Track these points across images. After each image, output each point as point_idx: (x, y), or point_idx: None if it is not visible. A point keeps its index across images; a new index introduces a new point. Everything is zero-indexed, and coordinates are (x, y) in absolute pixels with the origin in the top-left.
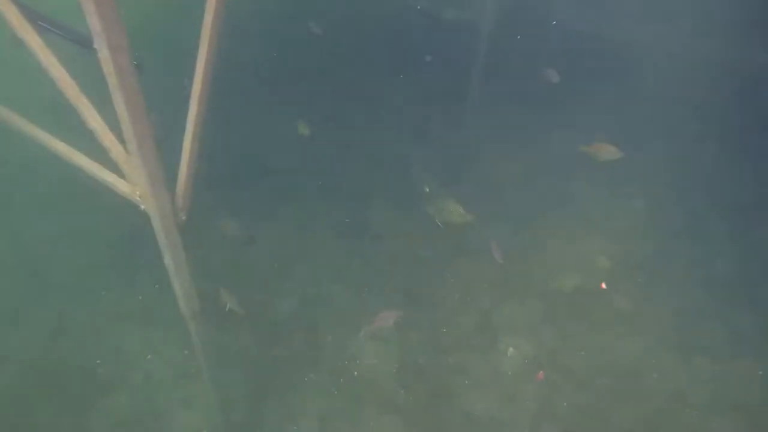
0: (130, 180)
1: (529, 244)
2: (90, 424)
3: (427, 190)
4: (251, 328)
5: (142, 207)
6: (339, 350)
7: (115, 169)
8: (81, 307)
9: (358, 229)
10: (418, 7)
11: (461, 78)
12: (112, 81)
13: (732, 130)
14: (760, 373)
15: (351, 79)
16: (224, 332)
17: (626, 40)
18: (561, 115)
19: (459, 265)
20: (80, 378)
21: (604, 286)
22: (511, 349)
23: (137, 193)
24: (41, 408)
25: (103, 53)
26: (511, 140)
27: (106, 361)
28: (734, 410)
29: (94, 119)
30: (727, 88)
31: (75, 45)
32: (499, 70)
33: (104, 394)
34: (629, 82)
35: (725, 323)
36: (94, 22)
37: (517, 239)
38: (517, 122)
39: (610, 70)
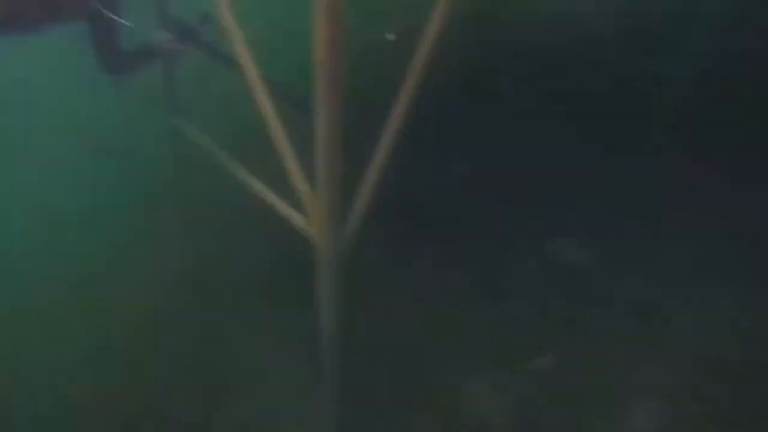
0: (309, 215)
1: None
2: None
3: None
4: (379, 359)
5: (311, 239)
6: (454, 393)
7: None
8: (228, 322)
9: (494, 271)
10: None
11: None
12: (319, 133)
13: None
14: None
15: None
16: (355, 363)
17: None
18: None
19: (596, 319)
20: (211, 389)
21: None
22: (641, 417)
23: (314, 229)
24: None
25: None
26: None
27: (236, 371)
28: None
29: (290, 158)
30: None
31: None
32: None
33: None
34: None
35: None
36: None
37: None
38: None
39: None
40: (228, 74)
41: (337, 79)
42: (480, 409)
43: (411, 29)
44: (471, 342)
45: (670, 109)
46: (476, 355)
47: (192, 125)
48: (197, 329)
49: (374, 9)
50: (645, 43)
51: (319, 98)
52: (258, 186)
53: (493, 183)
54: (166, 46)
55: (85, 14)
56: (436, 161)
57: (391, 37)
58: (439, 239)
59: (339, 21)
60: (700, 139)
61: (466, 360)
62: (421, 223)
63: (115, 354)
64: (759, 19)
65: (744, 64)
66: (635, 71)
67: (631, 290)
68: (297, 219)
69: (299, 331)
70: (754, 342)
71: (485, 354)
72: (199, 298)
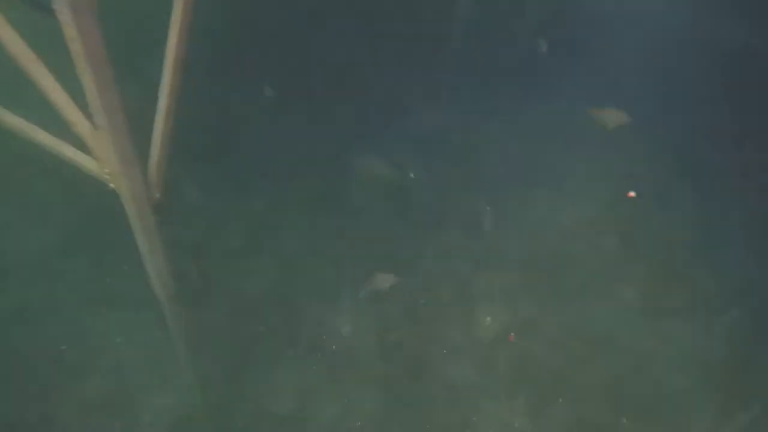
0: (98, 157)
1: (509, 214)
2: (58, 410)
3: (412, 176)
4: (227, 307)
5: (111, 186)
6: (317, 325)
7: (80, 145)
8: (43, 291)
9: (335, 202)
10: None
11: (441, 45)
12: (75, 48)
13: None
14: (719, 330)
15: (320, 44)
16: (200, 312)
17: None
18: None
19: (437, 237)
20: (46, 364)
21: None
22: (488, 319)
23: (105, 170)
24: (4, 397)
25: (65, 16)
26: (492, 110)
27: (72, 346)
28: (695, 365)
29: (54, 90)
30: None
31: (31, 8)
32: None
33: (72, 380)
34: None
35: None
36: None
37: (496, 209)
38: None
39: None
40: None
41: None
42: (338, 334)
43: None
44: (311, 268)
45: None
46: (319, 281)
47: None
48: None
49: None
50: None
51: None
52: (29, 129)
53: (302, 107)
54: None
55: None
56: (241, 90)
57: None
58: (258, 171)
59: None
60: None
61: (310, 287)
62: (234, 155)
63: None
64: None
65: None
66: None
67: (456, 204)
68: (87, 162)
69: (133, 289)
70: (575, 235)
71: (328, 279)
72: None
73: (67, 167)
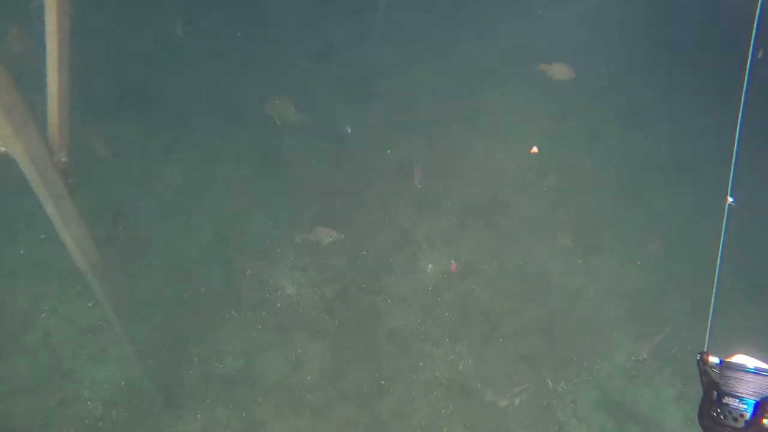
0: None
1: (444, 160)
2: None
3: (349, 130)
4: (162, 271)
5: (3, 150)
6: (259, 283)
7: None
8: None
9: (265, 154)
10: None
11: None
12: None
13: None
14: (639, 263)
15: None
16: (132, 279)
17: None
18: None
19: (375, 187)
20: None
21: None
22: (430, 266)
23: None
24: None
25: None
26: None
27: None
28: (619, 297)
29: None
30: None
31: None
32: None
33: None
34: None
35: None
36: None
37: (430, 156)
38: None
39: None
40: None
41: None
42: (281, 290)
43: None
44: (247, 225)
45: None
46: (256, 237)
47: None
48: None
49: None
50: None
51: None
52: None
53: (223, 52)
54: None
55: None
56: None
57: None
58: (179, 123)
59: None
60: None
61: (248, 244)
62: (151, 106)
63: None
64: None
65: None
66: None
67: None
68: None
69: (54, 259)
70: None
71: (266, 235)
72: None
73: None
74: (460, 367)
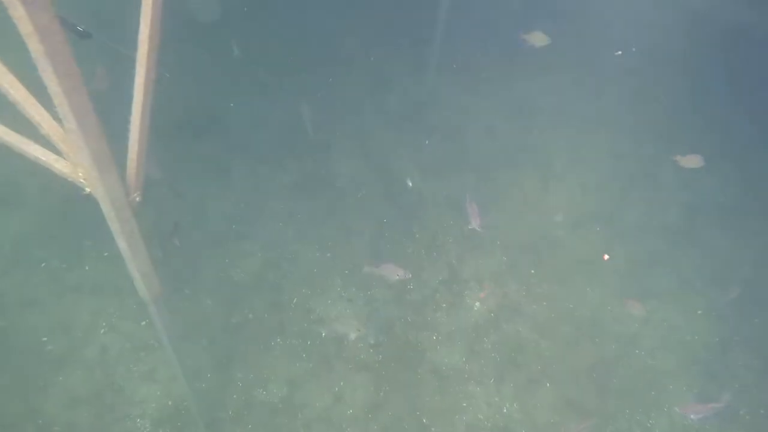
0: (71, 159)
1: (494, 197)
2: (44, 403)
3: (410, 184)
4: (214, 296)
5: (88, 190)
6: (305, 312)
7: (51, 146)
8: (23, 283)
9: (317, 184)
10: None
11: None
12: (33, 45)
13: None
14: (699, 312)
15: (306, 22)
16: (186, 304)
17: None
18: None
19: (424, 221)
20: (29, 357)
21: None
22: (477, 304)
23: (80, 174)
24: None
25: (17, 11)
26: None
27: (55, 337)
28: (678, 347)
29: (17, 89)
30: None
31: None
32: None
33: (56, 372)
34: None
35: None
36: None
37: (481, 192)
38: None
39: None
40: None
41: None
42: (327, 320)
43: None
44: (298, 254)
45: None
46: (306, 266)
47: None
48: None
49: None
50: None
51: None
52: (7, 135)
53: (283, 88)
54: None
55: None
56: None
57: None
58: (237, 153)
59: None
60: None
61: (298, 273)
62: (209, 138)
63: None
64: None
65: None
66: None
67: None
68: (60, 165)
69: (114, 277)
70: None
71: (316, 264)
72: None
73: (40, 169)
74: (505, 410)
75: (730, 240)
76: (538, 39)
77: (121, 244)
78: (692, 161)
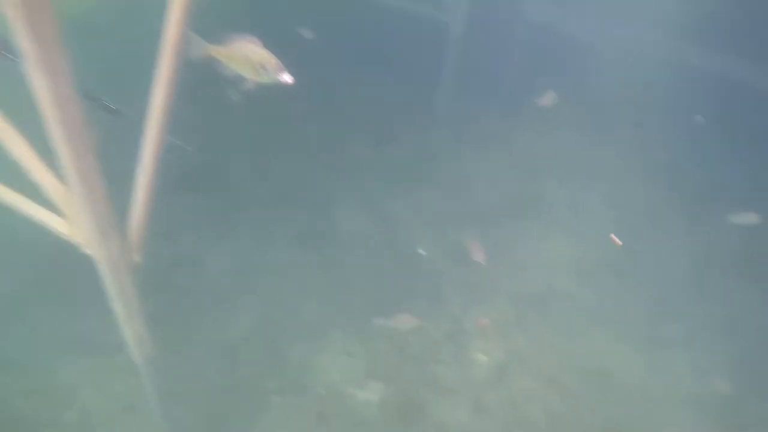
0: (71, 222)
1: (498, 247)
2: None
3: (423, 253)
4: (208, 352)
5: (87, 252)
6: (303, 369)
7: (50, 205)
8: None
9: (319, 238)
10: None
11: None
12: (51, 113)
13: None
14: (711, 365)
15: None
16: (180, 361)
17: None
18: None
19: (426, 272)
20: (3, 422)
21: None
22: (482, 357)
23: (81, 237)
24: None
25: (39, 81)
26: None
27: (33, 399)
28: (691, 401)
29: (21, 148)
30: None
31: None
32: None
33: None
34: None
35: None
36: (25, 40)
37: (485, 242)
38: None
39: None
40: None
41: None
42: (326, 376)
43: None
44: (295, 308)
45: None
46: (303, 321)
47: None
48: None
49: None
50: None
51: (23, 33)
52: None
53: (283, 143)
54: None
55: None
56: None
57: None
58: (233, 208)
59: None
60: None
61: (294, 328)
62: (203, 194)
63: None
64: None
65: None
66: None
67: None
68: (58, 225)
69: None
70: None
71: (312, 320)
72: None
73: (36, 227)
74: None
75: (746, 293)
76: (550, 99)
77: (117, 306)
78: (749, 218)
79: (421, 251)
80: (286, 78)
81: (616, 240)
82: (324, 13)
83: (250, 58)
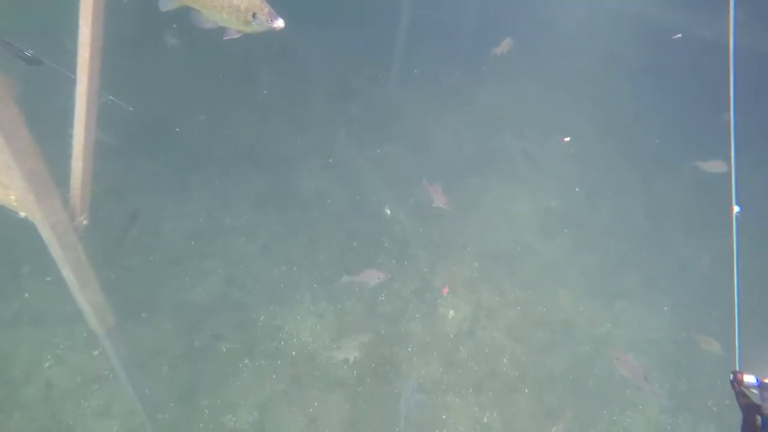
0: (2, 182)
1: (463, 204)
2: None
3: (388, 212)
4: (173, 317)
5: (22, 215)
6: (274, 330)
7: None
8: None
9: (280, 197)
10: None
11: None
12: None
13: None
14: (665, 308)
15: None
16: (144, 328)
17: None
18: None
19: (392, 230)
20: None
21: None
22: (451, 312)
23: (12, 197)
24: None
25: None
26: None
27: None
28: (647, 345)
29: None
30: None
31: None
32: None
33: None
34: None
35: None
36: None
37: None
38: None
39: None
40: None
41: None
42: (296, 338)
43: None
44: (262, 269)
45: None
46: (271, 282)
47: None
48: None
49: None
50: None
51: None
52: None
53: (241, 94)
54: None
55: None
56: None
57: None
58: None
59: None
60: None
61: (263, 290)
62: (158, 147)
63: None
64: None
65: None
66: None
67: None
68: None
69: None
70: None
71: (280, 279)
72: None
73: None
74: (485, 420)
75: (693, 240)
76: (506, 46)
77: (66, 272)
78: (715, 166)
79: (387, 210)
80: (279, 24)
81: (566, 139)
82: None
83: (237, 7)
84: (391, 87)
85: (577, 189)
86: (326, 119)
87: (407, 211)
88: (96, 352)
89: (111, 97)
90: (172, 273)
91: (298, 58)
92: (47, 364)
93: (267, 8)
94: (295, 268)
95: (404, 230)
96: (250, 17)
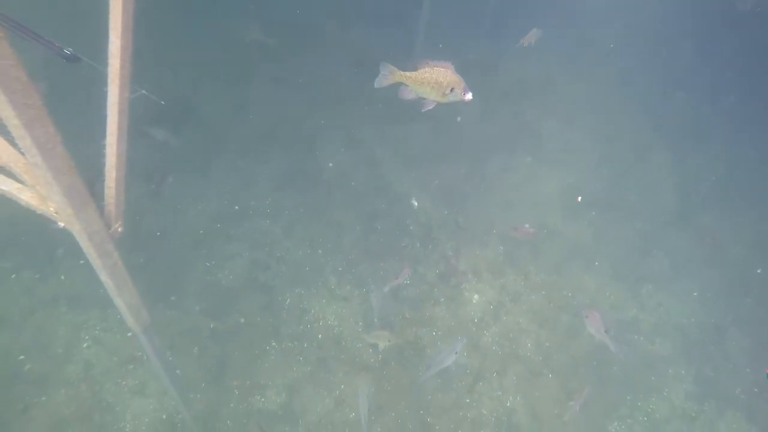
0: (41, 194)
1: (487, 185)
2: (26, 427)
3: (416, 204)
4: (201, 299)
5: (62, 225)
6: (300, 313)
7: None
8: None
9: (304, 179)
10: None
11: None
12: None
13: None
14: (695, 294)
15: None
16: (173, 311)
17: None
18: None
19: (417, 213)
20: (4, 379)
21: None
22: (476, 296)
23: (52, 208)
24: None
25: None
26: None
27: (33, 355)
28: (674, 331)
29: None
30: None
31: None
32: None
33: (38, 393)
34: None
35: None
36: None
37: (473, 181)
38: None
39: None
40: None
41: None
42: (324, 321)
43: None
44: (284, 244)
45: None
46: (298, 266)
47: None
48: None
49: None
50: None
51: None
52: None
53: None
54: None
55: None
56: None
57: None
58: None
59: None
60: None
61: (288, 278)
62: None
63: None
64: None
65: None
66: None
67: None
68: (28, 197)
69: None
70: None
71: (307, 264)
72: None
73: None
74: (508, 404)
75: (726, 223)
76: (533, 37)
77: (104, 278)
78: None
79: (414, 202)
80: (469, 97)
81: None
82: None
83: (440, 83)
84: (410, 62)
85: (605, 168)
86: (349, 96)
87: (432, 192)
88: (130, 334)
89: (143, 91)
90: (198, 256)
91: (318, 33)
92: (85, 344)
93: (462, 84)
94: (319, 251)
95: (428, 213)
96: (448, 91)
